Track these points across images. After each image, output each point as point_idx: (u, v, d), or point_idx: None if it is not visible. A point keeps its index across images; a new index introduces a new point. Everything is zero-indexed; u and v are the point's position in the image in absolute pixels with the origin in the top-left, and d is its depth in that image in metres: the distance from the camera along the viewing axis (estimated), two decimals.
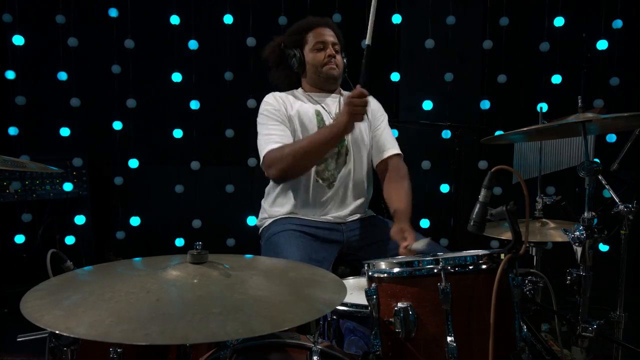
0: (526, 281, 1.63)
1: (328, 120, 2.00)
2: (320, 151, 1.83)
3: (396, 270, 1.10)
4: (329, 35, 2.04)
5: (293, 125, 1.97)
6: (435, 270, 1.05)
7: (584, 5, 3.13)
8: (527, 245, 1.07)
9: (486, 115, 3.19)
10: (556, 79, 3.05)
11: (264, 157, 1.88)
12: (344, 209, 2.02)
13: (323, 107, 2.04)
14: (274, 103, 2.00)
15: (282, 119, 1.96)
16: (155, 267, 1.08)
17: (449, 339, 1.02)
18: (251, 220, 3.17)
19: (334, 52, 2.01)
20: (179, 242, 3.22)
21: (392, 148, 2.04)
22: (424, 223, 3.10)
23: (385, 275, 1.12)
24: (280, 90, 2.12)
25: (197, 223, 3.17)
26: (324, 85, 2.07)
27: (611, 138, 3.06)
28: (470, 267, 1.08)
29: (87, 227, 3.22)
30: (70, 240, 3.18)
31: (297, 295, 0.99)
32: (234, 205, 3.22)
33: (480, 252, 1.11)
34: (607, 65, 3.04)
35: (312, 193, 1.97)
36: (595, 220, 2.69)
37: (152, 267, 1.10)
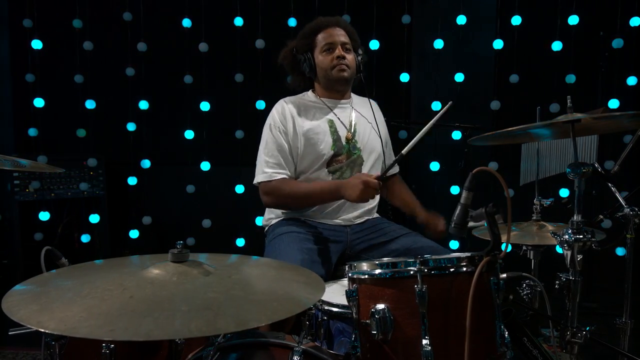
0: (524, 285, 1.60)
1: (342, 130, 2.01)
2: (318, 203, 1.95)
3: (375, 271, 1.10)
4: (338, 35, 1.97)
5: (299, 142, 1.95)
6: (412, 272, 1.04)
7: (599, 3, 3.05)
8: (507, 248, 1.05)
9: (497, 115, 3.13)
10: (570, 78, 2.97)
11: (260, 184, 1.97)
12: (353, 212, 2.03)
13: (335, 114, 2.03)
14: (280, 119, 1.98)
15: (285, 140, 1.95)
16: (144, 265, 1.11)
17: (424, 342, 1.01)
18: (260, 221, 3.19)
19: (342, 53, 1.95)
20: (190, 241, 3.27)
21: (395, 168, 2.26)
22: None
23: (366, 276, 1.12)
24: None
25: (207, 223, 3.21)
26: (335, 88, 2.03)
27: (629, 139, 2.95)
28: (451, 270, 1.07)
29: (103, 226, 3.31)
30: (86, 238, 3.27)
31: (271, 295, 1.00)
32: (244, 206, 3.24)
33: (460, 254, 1.09)
34: (623, 64, 2.94)
35: None
36: (610, 223, 2.60)
37: (141, 265, 1.13)
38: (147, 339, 0.76)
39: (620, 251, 2.97)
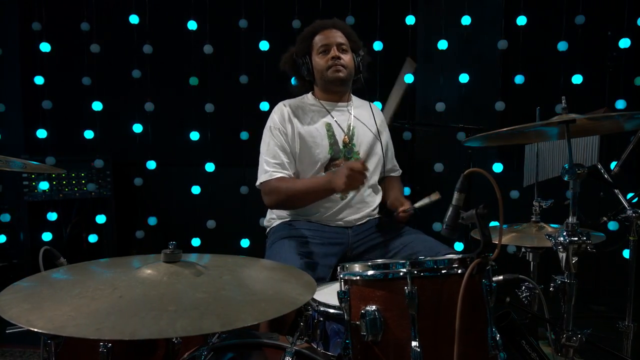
0: (523, 287, 1.58)
1: (339, 134, 2.01)
2: (314, 199, 1.94)
3: (366, 273, 1.10)
4: (335, 37, 1.98)
5: (296, 145, 1.96)
6: (402, 274, 1.04)
7: (605, 3, 3.01)
8: (499, 249, 1.04)
9: (503, 116, 3.11)
10: (577, 79, 2.94)
11: (262, 184, 1.98)
12: (355, 215, 2.03)
13: (333, 117, 2.04)
14: (280, 121, 1.99)
15: (285, 140, 1.97)
16: (139, 265, 1.12)
17: (413, 344, 1.01)
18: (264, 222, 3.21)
19: (337, 54, 1.96)
20: (195, 242, 3.30)
21: (398, 169, 2.27)
22: (437, 226, 3.05)
23: (357, 278, 1.12)
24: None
25: (211, 223, 3.23)
26: (332, 89, 2.04)
27: None
28: (442, 272, 1.06)
29: (110, 226, 3.34)
30: (93, 238, 3.31)
31: (260, 296, 1.00)
32: (249, 207, 3.26)
33: (451, 256, 1.09)
34: (630, 64, 2.90)
35: (326, 203, 1.99)
36: (617, 225, 2.56)
37: (136, 265, 1.14)
38: (132, 338, 0.77)
39: (627, 253, 2.93)
